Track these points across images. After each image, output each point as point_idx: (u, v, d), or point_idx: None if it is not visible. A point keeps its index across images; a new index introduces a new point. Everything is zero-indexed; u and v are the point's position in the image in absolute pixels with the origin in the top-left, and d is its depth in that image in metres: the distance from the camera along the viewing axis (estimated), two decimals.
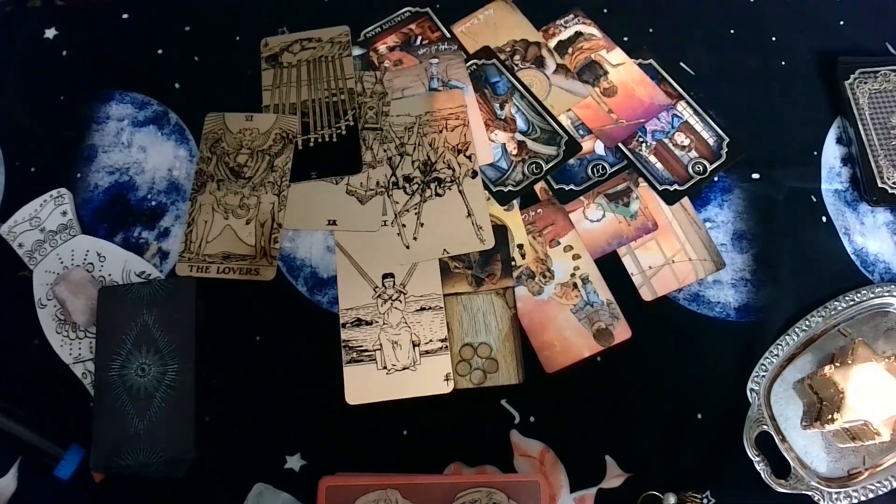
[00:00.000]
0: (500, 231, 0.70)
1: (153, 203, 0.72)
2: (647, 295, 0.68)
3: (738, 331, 0.67)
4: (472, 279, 0.68)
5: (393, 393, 0.65)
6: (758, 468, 0.62)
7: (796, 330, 0.66)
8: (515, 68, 0.76)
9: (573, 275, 0.68)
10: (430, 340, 0.66)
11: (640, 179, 0.72)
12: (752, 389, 0.65)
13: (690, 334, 0.67)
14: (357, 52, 0.78)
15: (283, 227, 0.70)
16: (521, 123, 0.74)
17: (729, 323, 0.68)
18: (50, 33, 0.79)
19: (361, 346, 0.66)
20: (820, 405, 0.62)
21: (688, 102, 0.75)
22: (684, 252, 0.69)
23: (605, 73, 0.76)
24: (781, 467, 0.62)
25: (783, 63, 0.77)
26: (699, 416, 0.65)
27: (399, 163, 0.72)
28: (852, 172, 0.73)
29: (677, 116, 0.74)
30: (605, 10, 0.79)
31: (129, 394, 0.61)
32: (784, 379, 0.65)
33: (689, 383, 0.66)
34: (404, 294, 0.67)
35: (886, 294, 0.67)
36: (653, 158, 0.73)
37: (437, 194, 0.71)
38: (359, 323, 0.67)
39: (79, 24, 0.80)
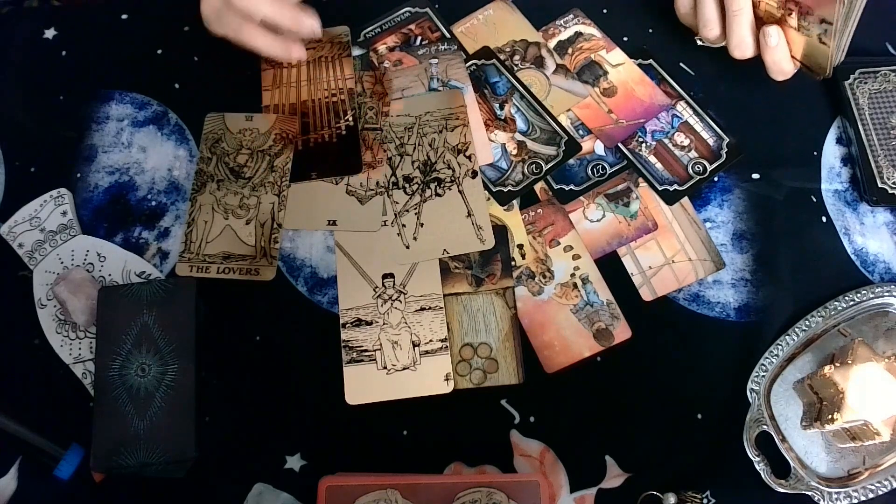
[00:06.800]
0: (500, 231, 0.70)
1: (153, 203, 0.72)
2: (647, 295, 0.68)
3: (738, 331, 0.67)
4: (472, 279, 0.68)
5: (393, 393, 0.65)
6: (758, 468, 0.62)
7: (796, 330, 0.66)
8: (515, 68, 0.76)
9: (573, 275, 0.69)
10: (430, 340, 0.66)
11: (640, 179, 0.72)
12: (752, 389, 0.65)
13: (690, 334, 0.67)
14: (357, 52, 0.78)
15: (283, 228, 0.70)
16: (520, 123, 0.74)
17: (729, 323, 0.68)
18: (50, 33, 0.79)
19: (361, 346, 0.66)
20: (820, 405, 0.62)
21: (688, 102, 0.75)
22: (684, 252, 0.69)
23: (605, 73, 0.76)
24: (781, 467, 0.62)
25: None
26: (699, 416, 0.65)
27: (399, 163, 0.72)
28: (852, 172, 0.73)
29: (677, 116, 0.74)
30: (605, 11, 0.79)
31: (129, 394, 0.61)
32: (784, 379, 0.65)
33: (689, 383, 0.66)
34: (404, 294, 0.67)
35: (886, 294, 0.67)
36: (653, 158, 0.73)
37: (437, 194, 0.71)
38: (359, 323, 0.67)
39: (79, 24, 0.80)
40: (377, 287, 0.68)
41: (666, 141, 0.73)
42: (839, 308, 0.67)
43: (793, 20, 0.67)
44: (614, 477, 0.63)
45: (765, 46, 0.69)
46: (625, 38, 0.78)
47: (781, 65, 0.69)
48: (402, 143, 0.73)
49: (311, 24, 0.71)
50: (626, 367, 0.66)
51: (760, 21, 0.69)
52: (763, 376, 0.65)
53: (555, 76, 0.76)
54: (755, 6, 0.68)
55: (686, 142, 0.73)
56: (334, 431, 0.65)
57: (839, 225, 0.71)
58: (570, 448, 0.64)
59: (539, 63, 0.77)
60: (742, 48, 0.70)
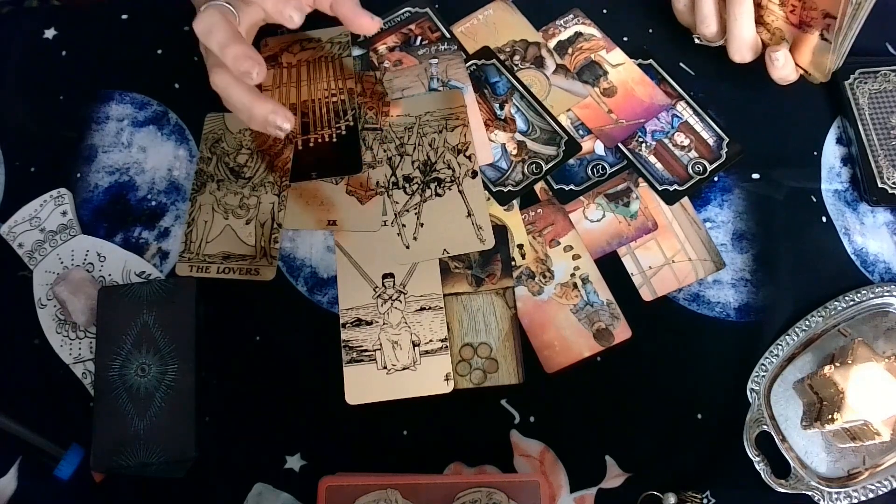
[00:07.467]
0: (500, 231, 0.70)
1: (153, 203, 0.72)
2: (647, 295, 0.68)
3: (738, 331, 0.67)
4: (472, 279, 0.68)
5: (393, 393, 0.65)
6: (758, 468, 0.62)
7: (796, 330, 0.66)
8: (515, 68, 0.76)
9: (573, 275, 0.68)
10: (430, 340, 0.66)
11: (640, 179, 0.72)
12: (752, 389, 0.65)
13: (690, 334, 0.67)
14: (357, 52, 0.78)
15: (283, 228, 0.70)
16: (520, 123, 0.74)
17: (729, 323, 0.68)
18: (50, 33, 0.79)
19: (361, 346, 0.66)
20: (820, 405, 0.62)
21: (688, 102, 0.75)
22: (684, 252, 0.69)
23: (605, 73, 0.76)
24: (781, 467, 0.62)
25: None
26: (699, 416, 0.65)
27: (399, 163, 0.72)
28: (852, 172, 0.73)
29: (677, 116, 0.74)
30: (605, 11, 0.79)
31: (129, 394, 0.61)
32: (784, 379, 0.65)
33: (689, 383, 0.66)
34: (404, 294, 0.67)
35: (886, 294, 0.67)
36: (652, 158, 0.73)
37: (437, 194, 0.71)
38: (359, 323, 0.67)
39: (79, 24, 0.80)
40: (377, 287, 0.68)
41: (666, 141, 0.73)
42: (839, 308, 0.66)
43: (794, 16, 0.67)
44: (614, 477, 0.63)
45: (771, 66, 0.69)
46: (625, 38, 0.78)
47: (787, 78, 0.70)
48: (402, 143, 0.73)
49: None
50: (626, 367, 0.66)
51: (760, 18, 0.69)
52: (763, 376, 0.65)
53: (555, 76, 0.76)
54: (757, 4, 0.68)
55: (686, 142, 0.73)
56: (334, 431, 0.65)
57: (839, 225, 0.71)
58: (570, 448, 0.64)
59: (539, 63, 0.77)
60: (742, 53, 0.70)
